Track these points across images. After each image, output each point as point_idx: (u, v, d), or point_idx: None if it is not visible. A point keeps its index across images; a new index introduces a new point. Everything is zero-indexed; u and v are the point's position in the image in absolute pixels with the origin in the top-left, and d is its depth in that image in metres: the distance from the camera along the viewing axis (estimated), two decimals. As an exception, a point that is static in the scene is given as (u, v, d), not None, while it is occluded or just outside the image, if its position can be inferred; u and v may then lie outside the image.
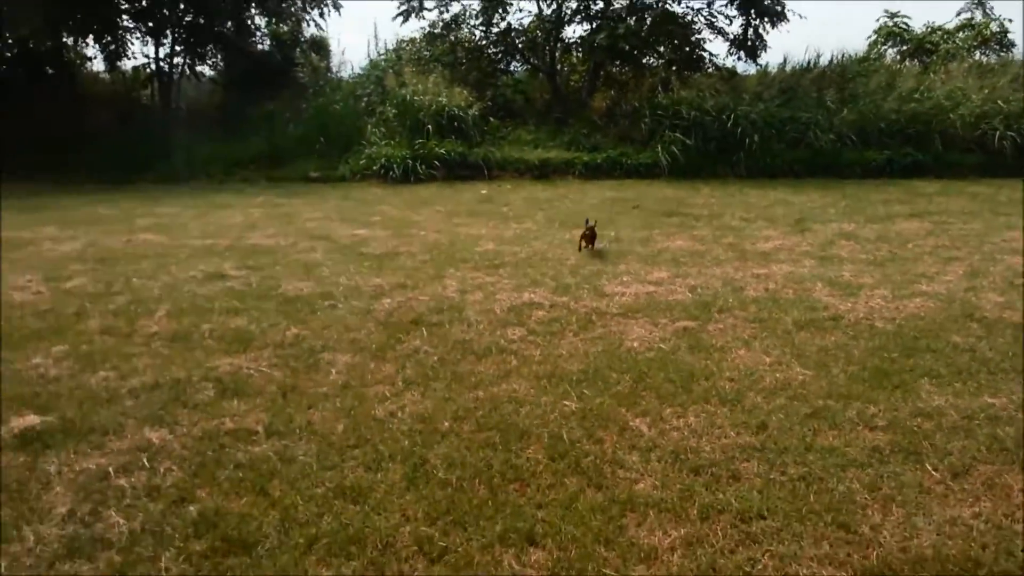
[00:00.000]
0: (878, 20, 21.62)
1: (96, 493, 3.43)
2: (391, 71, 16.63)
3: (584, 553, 2.95)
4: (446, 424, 4.05)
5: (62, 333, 5.50)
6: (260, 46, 19.23)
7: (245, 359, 4.97)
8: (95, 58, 19.02)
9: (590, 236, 7.87)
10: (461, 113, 14.88)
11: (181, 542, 3.07)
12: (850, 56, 17.33)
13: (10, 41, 17.24)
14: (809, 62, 17.17)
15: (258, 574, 2.87)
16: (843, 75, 16.27)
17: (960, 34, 20.63)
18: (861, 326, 5.55)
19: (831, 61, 17.12)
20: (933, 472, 3.53)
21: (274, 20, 19.08)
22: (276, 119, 16.19)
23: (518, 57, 17.85)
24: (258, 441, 3.90)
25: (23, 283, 6.89)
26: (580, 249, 7.90)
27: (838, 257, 7.75)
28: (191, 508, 3.30)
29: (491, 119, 15.72)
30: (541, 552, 2.98)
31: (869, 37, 21.60)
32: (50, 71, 17.92)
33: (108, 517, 3.24)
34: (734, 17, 16.75)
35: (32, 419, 4.07)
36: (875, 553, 2.95)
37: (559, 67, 17.65)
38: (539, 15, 16.75)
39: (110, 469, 3.62)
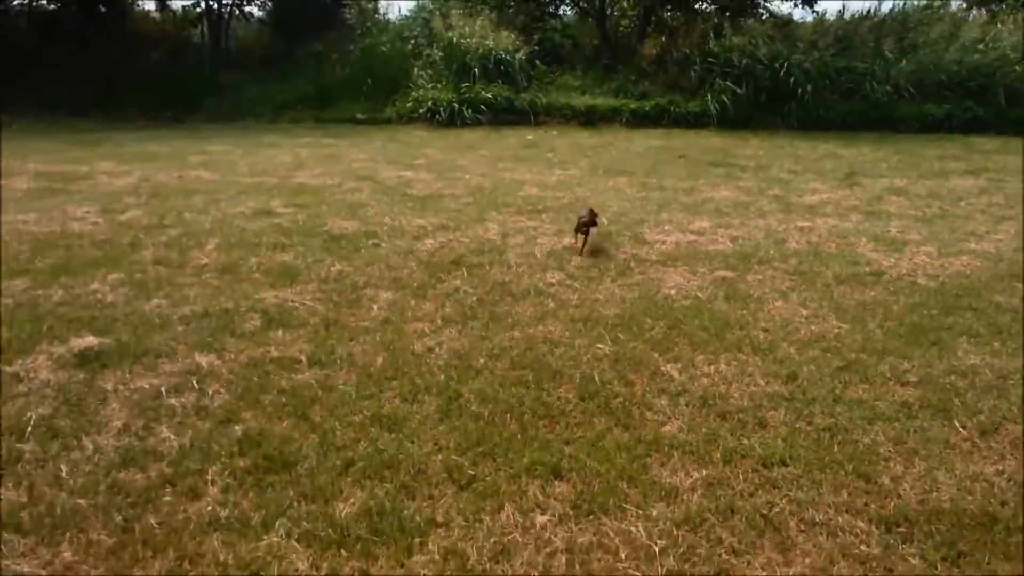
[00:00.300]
0: (945, -34, 20.75)
1: (149, 410, 3.63)
2: (438, 13, 16.53)
3: (607, 488, 3.06)
4: (481, 361, 4.17)
5: (118, 262, 5.72)
6: (308, -14, 19.20)
7: (290, 292, 5.13)
8: (147, -3, 19.24)
9: (586, 227, 6.01)
10: (508, 57, 14.78)
11: (227, 458, 3.24)
12: (912, 4, 16.73)
13: (64, -21, 17.48)
14: (869, 10, 16.70)
15: (297, 491, 3.03)
16: (904, 24, 15.71)
17: (1033, -18, 19.74)
18: (903, 282, 5.51)
19: (892, 9, 16.58)
20: (961, 429, 3.56)
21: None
22: (323, 60, 16.24)
23: (567, 0, 17.60)
24: (301, 369, 4.06)
25: (81, 214, 7.13)
26: (580, 251, 6.09)
27: (886, 212, 7.65)
28: (236, 428, 3.48)
29: (538, 64, 15.59)
30: (566, 485, 3.10)
31: (934, -17, 20.78)
32: (103, 9, 18.13)
33: (160, 432, 3.44)
34: (792, -39, 16.32)
35: (90, 340, 4.29)
36: (893, 504, 3.01)
37: (608, 11, 17.37)
38: (591, -43, 16.48)
39: (162, 389, 3.81)
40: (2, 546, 2.74)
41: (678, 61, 15.49)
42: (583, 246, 6.05)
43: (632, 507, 2.95)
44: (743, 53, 14.28)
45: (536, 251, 6.11)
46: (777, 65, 14.00)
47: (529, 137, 12.77)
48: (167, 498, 3.01)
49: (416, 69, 15.37)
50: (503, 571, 2.61)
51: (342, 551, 2.70)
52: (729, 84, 14.03)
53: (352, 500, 2.98)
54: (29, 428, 3.46)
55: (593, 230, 6.07)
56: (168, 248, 6.09)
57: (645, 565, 2.64)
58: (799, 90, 13.83)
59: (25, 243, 6.16)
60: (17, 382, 3.90)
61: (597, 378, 3.98)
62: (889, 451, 3.36)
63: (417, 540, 2.76)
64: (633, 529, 2.82)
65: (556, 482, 3.11)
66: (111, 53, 16.54)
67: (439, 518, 2.88)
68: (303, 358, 4.19)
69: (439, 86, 14.62)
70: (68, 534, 2.80)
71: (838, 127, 13.71)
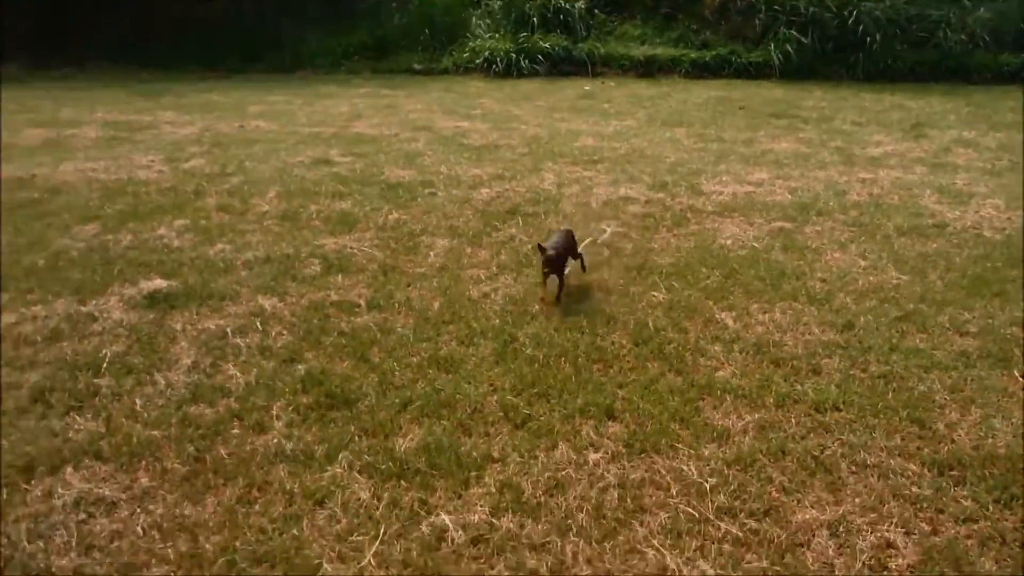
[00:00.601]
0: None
1: (216, 349, 3.78)
2: (498, -39, 16.33)
3: (659, 429, 3.12)
4: (536, 307, 4.22)
5: (183, 209, 5.89)
6: (368, -66, 19.05)
7: (349, 239, 5.24)
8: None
9: (554, 259, 4.12)
10: (567, 6, 14.56)
11: (290, 395, 3.38)
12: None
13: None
14: (946, -46, 15.86)
15: (358, 426, 3.14)
16: (983, -32, 14.99)
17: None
18: (967, 235, 5.39)
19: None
20: (1020, 378, 3.51)
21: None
22: (381, 10, 16.20)
23: (629, -53, 17.19)
24: (360, 313, 4.17)
25: (146, 162, 7.33)
26: (556, 296, 4.26)
27: (953, 165, 7.43)
28: (299, 367, 3.61)
29: (597, 13, 15.32)
30: (618, 425, 3.16)
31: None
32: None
33: (226, 370, 3.59)
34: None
35: (159, 283, 4.46)
36: (946, 448, 3.00)
37: (671, -42, 16.94)
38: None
39: (228, 330, 3.96)
40: (85, 471, 2.91)
41: (742, 9, 15.02)
42: (559, 290, 4.27)
43: (684, 447, 3.00)
44: (810, 0, 13.82)
45: (592, 200, 6.12)
46: (846, 13, 13.49)
47: (586, 88, 12.64)
48: (235, 431, 3.16)
49: (474, 19, 15.25)
50: (557, 504, 2.69)
51: (402, 482, 2.82)
52: (794, 33, 13.59)
53: (411, 436, 3.09)
54: (104, 364, 3.64)
55: (580, 256, 4.59)
56: (230, 196, 6.24)
57: (696, 501, 2.69)
58: (867, 39, 13.33)
59: (95, 190, 6.38)
60: (92, 321, 4.09)
61: (651, 324, 4.01)
62: (945, 399, 3.34)
63: (474, 474, 2.85)
64: (684, 467, 2.87)
65: (609, 422, 3.18)
66: (172, 5, 16.72)
67: (495, 454, 2.97)
68: (362, 302, 4.30)
69: (497, 36, 14.51)
70: (144, 462, 2.97)
71: (906, 78, 13.20)
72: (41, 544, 2.55)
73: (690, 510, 2.65)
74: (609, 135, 8.71)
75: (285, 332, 3.97)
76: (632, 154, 7.74)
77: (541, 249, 4.15)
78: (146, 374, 3.56)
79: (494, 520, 2.61)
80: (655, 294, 4.40)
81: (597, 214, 5.79)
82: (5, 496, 2.77)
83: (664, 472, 2.86)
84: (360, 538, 2.55)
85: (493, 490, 2.77)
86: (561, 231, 4.48)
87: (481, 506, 2.68)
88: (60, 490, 2.81)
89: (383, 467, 2.89)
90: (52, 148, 7.91)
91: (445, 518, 2.62)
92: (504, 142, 8.26)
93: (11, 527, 2.62)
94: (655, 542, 2.51)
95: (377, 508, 2.69)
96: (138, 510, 2.72)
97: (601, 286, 4.51)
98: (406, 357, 3.70)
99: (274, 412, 3.27)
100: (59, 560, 2.49)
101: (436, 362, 3.65)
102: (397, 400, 3.33)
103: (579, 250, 4.59)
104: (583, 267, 4.64)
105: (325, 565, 2.43)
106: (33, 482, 2.85)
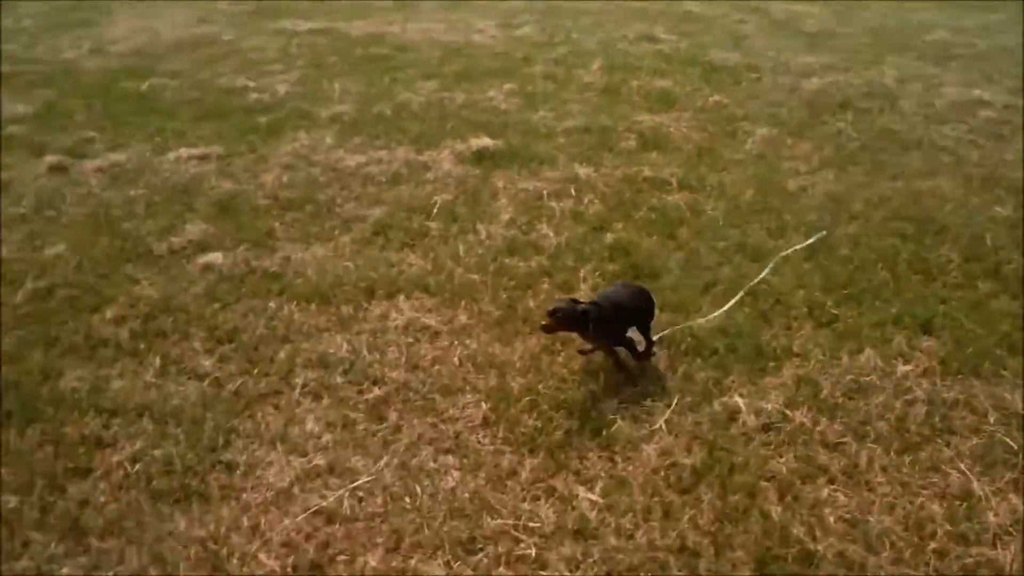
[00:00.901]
0: None
1: (532, 209, 4.01)
2: None
3: (982, 351, 2.87)
4: (857, 207, 3.97)
5: (511, 74, 6.16)
6: None
7: (667, 118, 5.21)
8: None
9: (562, 317, 2.69)
10: None
11: (597, 261, 3.52)
12: None
13: None
14: None
15: (660, 300, 3.19)
16: None
17: None
18: None
19: None
20: None
21: None
22: None
23: None
24: (671, 191, 4.18)
25: (481, 27, 7.69)
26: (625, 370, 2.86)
27: None
28: (608, 236, 3.73)
29: None
30: (935, 341, 2.95)
31: None
32: None
33: (540, 229, 3.80)
34: None
35: (486, 141, 4.75)
36: None
37: None
38: None
39: (544, 192, 4.17)
40: (414, 301, 3.28)
41: None
42: (619, 367, 2.86)
43: (1009, 375, 2.75)
44: None
45: (936, 101, 5.53)
46: None
47: (948, -27, 11.17)
48: (544, 286, 3.37)
49: None
50: (856, 408, 2.61)
51: (697, 360, 2.87)
52: None
53: (710, 317, 3.11)
54: (435, 210, 4.01)
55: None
56: (556, 65, 6.42)
57: (1017, 432, 2.48)
58: None
59: (435, 50, 6.85)
60: (425, 170, 4.49)
61: (989, 241, 3.63)
62: None
63: (771, 363, 2.84)
64: (1007, 396, 2.64)
65: (924, 336, 2.98)
66: None
67: (795, 348, 2.92)
68: (674, 181, 4.30)
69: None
70: (464, 302, 3.27)
71: None
72: (378, 356, 2.94)
73: (1008, 440, 2.45)
74: (969, 29, 7.71)
75: (597, 201, 4.09)
76: (994, 51, 6.82)
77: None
78: (469, 223, 3.88)
79: (787, 411, 2.60)
80: (999, 209, 3.96)
81: (940, 116, 5.24)
82: (352, 312, 3.21)
83: (982, 397, 2.65)
84: (653, 404, 2.66)
85: (789, 383, 2.74)
86: (633, 287, 3.00)
87: (775, 396, 2.67)
88: (394, 314, 3.19)
89: (681, 342, 2.95)
90: (401, 8, 8.54)
91: (739, 400, 2.64)
92: (843, 30, 7.63)
93: (355, 338, 3.04)
94: (962, 465, 2.36)
95: (671, 379, 2.78)
96: (456, 342, 3.03)
97: (935, 193, 4.13)
98: (713, 240, 3.68)
99: (581, 274, 3.43)
100: (390, 372, 2.86)
101: (743, 249, 3.61)
102: (700, 281, 3.35)
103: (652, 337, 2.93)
104: (640, 353, 2.88)
105: (619, 422, 2.58)
106: (373, 303, 3.27)
